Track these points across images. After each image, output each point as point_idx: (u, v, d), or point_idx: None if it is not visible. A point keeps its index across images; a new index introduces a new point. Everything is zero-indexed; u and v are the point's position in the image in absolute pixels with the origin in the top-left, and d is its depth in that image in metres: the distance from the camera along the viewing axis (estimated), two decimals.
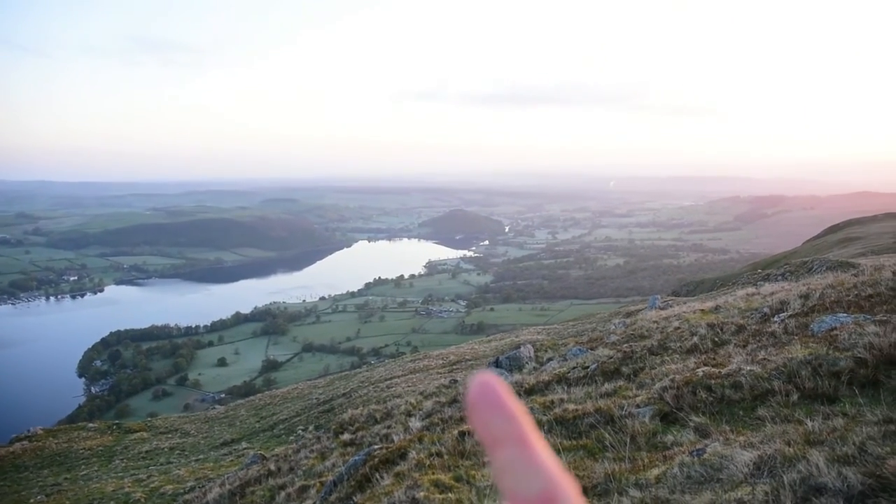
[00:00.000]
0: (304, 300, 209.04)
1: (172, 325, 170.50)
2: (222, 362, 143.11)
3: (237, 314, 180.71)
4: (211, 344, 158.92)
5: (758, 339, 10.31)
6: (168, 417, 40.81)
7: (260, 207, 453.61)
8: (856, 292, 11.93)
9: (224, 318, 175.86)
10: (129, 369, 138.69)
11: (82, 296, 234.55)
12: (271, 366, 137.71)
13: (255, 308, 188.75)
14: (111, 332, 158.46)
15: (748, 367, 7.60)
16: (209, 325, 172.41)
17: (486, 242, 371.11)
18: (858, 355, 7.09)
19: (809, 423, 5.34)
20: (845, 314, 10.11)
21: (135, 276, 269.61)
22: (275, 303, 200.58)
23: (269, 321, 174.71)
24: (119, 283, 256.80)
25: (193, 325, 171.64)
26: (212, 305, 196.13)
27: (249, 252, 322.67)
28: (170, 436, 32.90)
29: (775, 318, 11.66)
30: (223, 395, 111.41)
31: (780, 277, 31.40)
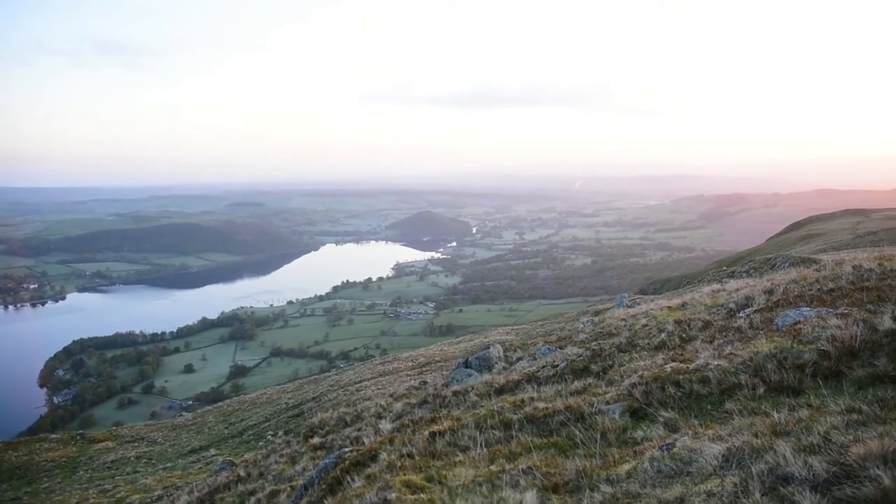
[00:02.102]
0: (271, 304, 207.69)
1: (138, 332, 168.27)
2: (189, 369, 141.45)
3: (204, 320, 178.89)
4: (177, 350, 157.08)
5: (724, 334, 10.44)
6: (134, 426, 40.17)
7: (225, 211, 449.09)
8: (818, 287, 12.13)
9: (190, 324, 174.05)
10: (94, 378, 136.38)
11: (43, 304, 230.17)
12: (239, 371, 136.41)
13: (222, 313, 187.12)
14: (74, 341, 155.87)
15: (715, 362, 7.68)
16: (175, 331, 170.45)
17: (454, 244, 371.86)
18: (822, 348, 7.21)
19: (776, 415, 5.42)
20: (808, 308, 10.27)
21: (98, 283, 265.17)
22: (242, 308, 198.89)
23: (237, 326, 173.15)
24: (82, 290, 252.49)
25: (159, 332, 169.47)
26: (178, 311, 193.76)
27: (215, 257, 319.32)
28: (136, 444, 32.39)
29: (741, 314, 11.82)
30: (191, 402, 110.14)
31: (744, 274, 31.86)
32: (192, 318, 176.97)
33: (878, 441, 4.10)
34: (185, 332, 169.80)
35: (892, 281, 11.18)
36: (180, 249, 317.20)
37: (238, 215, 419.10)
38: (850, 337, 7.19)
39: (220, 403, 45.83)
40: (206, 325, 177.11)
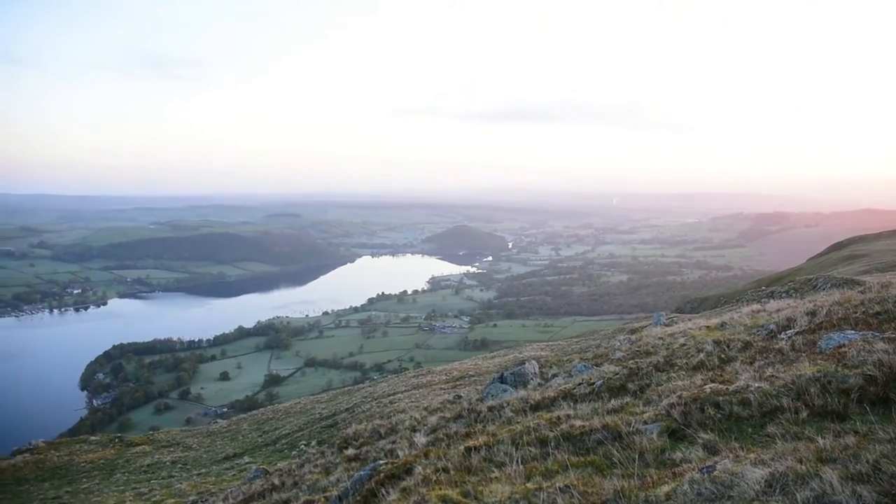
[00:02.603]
0: (307, 315, 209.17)
1: (175, 338, 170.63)
2: (225, 376, 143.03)
3: (240, 328, 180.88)
4: (213, 358, 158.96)
5: (765, 355, 10.26)
6: (170, 431, 40.67)
7: (263, 222, 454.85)
8: (863, 309, 11.88)
9: (227, 332, 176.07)
10: (132, 382, 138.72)
11: (86, 309, 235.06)
12: (274, 380, 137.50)
13: (258, 322, 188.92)
14: (114, 346, 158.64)
15: (756, 384, 7.56)
16: (212, 339, 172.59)
17: (490, 258, 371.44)
18: (868, 373, 7.05)
19: (820, 441, 5.31)
20: (853, 331, 10.06)
21: (138, 290, 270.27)
22: (278, 317, 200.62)
23: (272, 336, 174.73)
24: (122, 296, 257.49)
25: (196, 339, 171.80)
26: (215, 320, 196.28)
27: (253, 266, 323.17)
28: (172, 449, 32.78)
29: (782, 335, 11.61)
30: (225, 410, 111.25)
31: (784, 295, 31.30)
32: (228, 327, 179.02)
33: None
34: (221, 340, 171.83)
35: None
36: (218, 258, 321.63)
37: (275, 226, 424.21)
38: None
39: (254, 412, 46.18)
40: (242, 333, 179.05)
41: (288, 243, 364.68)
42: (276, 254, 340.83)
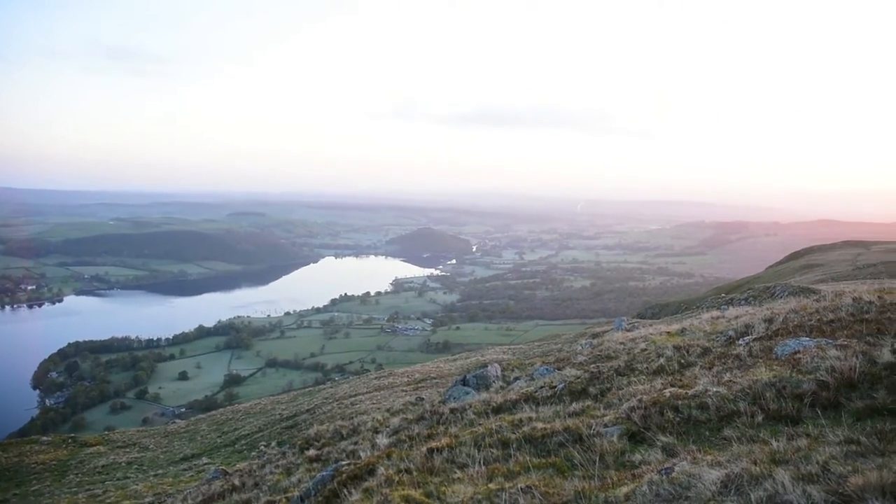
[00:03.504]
0: (268, 315, 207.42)
1: (133, 337, 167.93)
2: (184, 376, 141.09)
3: (200, 328, 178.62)
4: (172, 357, 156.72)
5: (723, 361, 10.46)
6: (126, 431, 40.04)
7: (227, 220, 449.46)
8: (818, 317, 12.17)
9: (187, 331, 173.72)
10: (87, 381, 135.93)
11: (40, 305, 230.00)
12: (234, 380, 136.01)
13: (219, 322, 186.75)
14: (69, 344, 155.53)
15: (714, 389, 7.72)
16: (171, 338, 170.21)
17: (454, 261, 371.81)
18: (821, 378, 7.25)
19: (774, 443, 5.46)
20: (808, 338, 10.31)
21: (96, 287, 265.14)
22: (239, 317, 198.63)
23: (233, 335, 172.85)
24: (79, 293, 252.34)
25: (155, 338, 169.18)
26: (175, 318, 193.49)
27: (215, 265, 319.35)
28: (128, 450, 32.28)
29: (740, 342, 11.85)
30: (184, 410, 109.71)
31: (743, 302, 31.87)
32: (188, 326, 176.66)
33: (877, 473, 4.14)
34: (180, 340, 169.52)
35: (891, 314, 11.23)
36: (180, 256, 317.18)
37: (239, 224, 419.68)
38: (850, 368, 7.24)
39: (213, 412, 45.68)
40: (202, 332, 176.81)
41: (251, 242, 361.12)
42: (239, 252, 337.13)
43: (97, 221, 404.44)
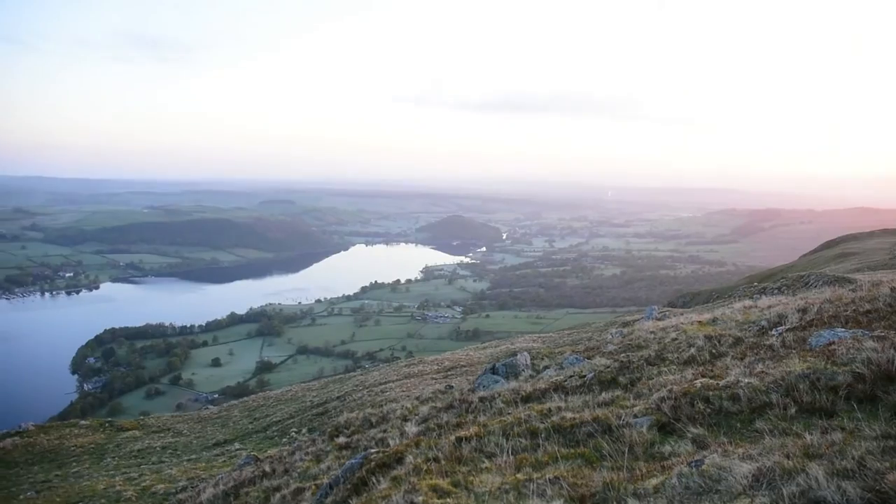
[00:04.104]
0: (299, 302, 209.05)
1: (167, 324, 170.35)
2: (216, 363, 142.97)
3: (232, 315, 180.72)
4: (205, 344, 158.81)
5: (755, 351, 10.32)
6: (160, 416, 40.68)
7: (257, 208, 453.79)
8: (853, 308, 11.95)
9: (219, 318, 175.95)
10: (123, 367, 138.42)
11: (77, 292, 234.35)
12: (265, 367, 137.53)
13: (251, 309, 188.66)
14: (106, 330, 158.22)
15: (746, 380, 7.61)
16: (204, 325, 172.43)
17: (483, 249, 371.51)
18: (857, 370, 7.11)
19: (808, 437, 5.37)
20: (843, 329, 10.13)
21: (131, 274, 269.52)
22: (270, 304, 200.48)
23: (264, 322, 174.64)
24: (115, 280, 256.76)
25: (188, 325, 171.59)
26: (207, 305, 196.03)
27: (246, 253, 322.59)
28: (162, 435, 32.81)
29: (773, 332, 11.68)
30: (216, 396, 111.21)
31: (776, 291, 31.44)
32: (220, 313, 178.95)
33: None
34: (213, 326, 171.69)
35: None
36: (212, 244, 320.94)
37: (270, 212, 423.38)
38: (887, 360, 7.08)
39: (245, 398, 46.17)
40: (234, 320, 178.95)
41: (282, 230, 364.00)
42: (269, 240, 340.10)
43: (130, 210, 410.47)
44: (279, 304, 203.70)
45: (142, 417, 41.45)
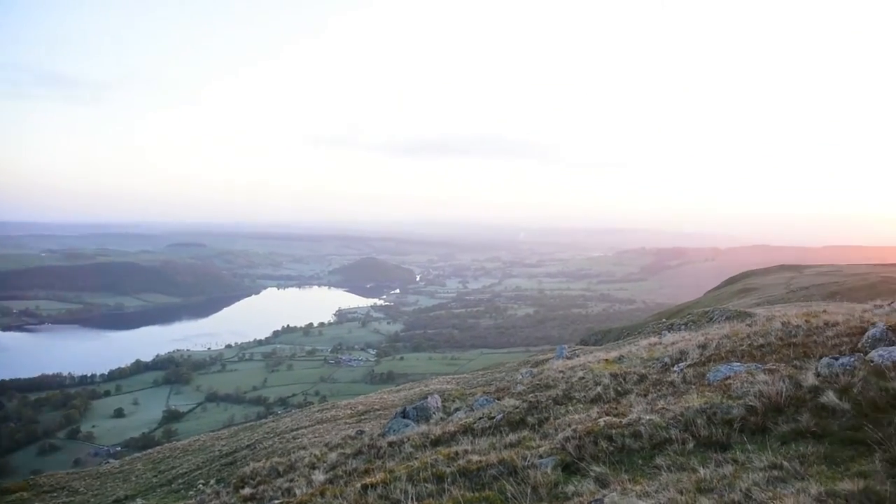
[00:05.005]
0: (209, 348, 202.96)
1: (65, 373, 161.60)
2: (119, 413, 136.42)
3: (137, 362, 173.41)
4: (108, 394, 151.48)
5: (658, 388, 10.59)
6: (54, 474, 38.30)
7: (165, 252, 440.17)
8: (749, 342, 12.44)
9: (123, 366, 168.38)
10: (13, 422, 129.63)
11: None
12: (172, 416, 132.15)
13: (157, 356, 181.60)
14: None
15: (648, 417, 7.78)
16: (106, 373, 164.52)
17: (397, 291, 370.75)
18: (749, 403, 7.38)
19: (702, 471, 5.51)
20: (739, 363, 10.51)
21: (25, 322, 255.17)
22: (178, 350, 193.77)
23: (172, 370, 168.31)
24: (6, 329, 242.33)
25: (89, 374, 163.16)
26: (110, 353, 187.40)
27: (153, 298, 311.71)
28: (55, 494, 30.90)
29: (675, 368, 12.01)
30: (119, 449, 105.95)
31: (682, 327, 32.47)
32: (125, 361, 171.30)
33: (794, 498, 4.21)
34: (116, 375, 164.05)
35: (817, 337, 11.56)
36: (116, 289, 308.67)
37: (179, 256, 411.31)
38: (777, 393, 7.39)
39: (150, 450, 44.15)
40: (139, 367, 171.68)
41: (191, 273, 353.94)
42: (178, 284, 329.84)
43: (27, 253, 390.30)
44: (188, 350, 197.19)
45: (32, 477, 38.94)
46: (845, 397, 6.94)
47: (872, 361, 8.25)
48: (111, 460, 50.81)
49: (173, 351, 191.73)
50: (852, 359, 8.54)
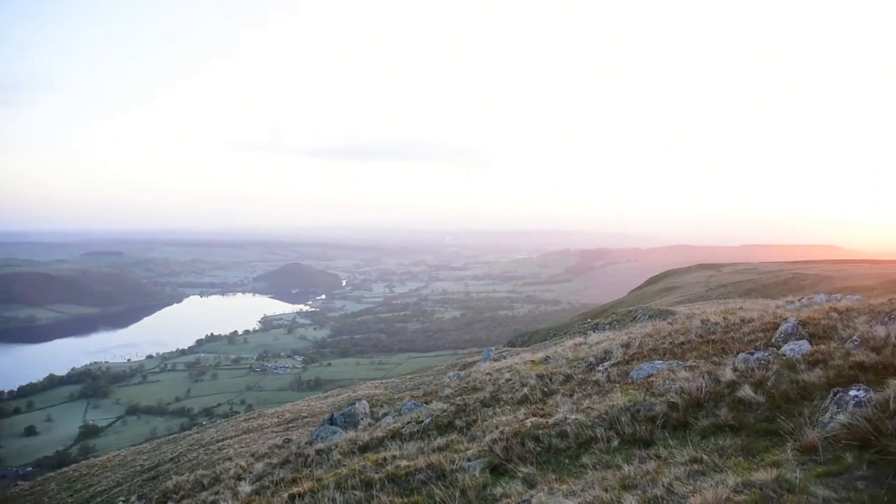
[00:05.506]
0: (129, 359, 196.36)
1: None
2: (31, 431, 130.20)
3: (51, 377, 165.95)
4: (17, 411, 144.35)
5: (583, 387, 10.75)
6: None
7: (81, 261, 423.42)
8: (670, 340, 12.77)
9: (35, 381, 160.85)
10: None
11: None
12: (90, 432, 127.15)
13: (73, 369, 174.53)
14: None
15: (574, 416, 7.89)
16: (16, 390, 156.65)
17: (323, 296, 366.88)
18: (671, 400, 7.57)
19: (626, 468, 5.62)
20: (661, 361, 10.78)
21: None
22: (96, 363, 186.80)
23: (89, 383, 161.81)
24: None
25: None
26: (21, 368, 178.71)
27: (68, 309, 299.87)
28: None
29: (600, 367, 12.23)
30: (30, 469, 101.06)
31: (607, 327, 33.14)
32: (37, 376, 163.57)
33: (713, 490, 4.34)
34: (28, 391, 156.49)
35: (734, 333, 11.96)
36: (28, 300, 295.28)
37: (95, 264, 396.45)
38: (697, 389, 7.60)
39: (64, 469, 42.37)
40: (53, 382, 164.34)
41: (109, 283, 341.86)
42: (95, 294, 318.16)
43: None
44: (106, 362, 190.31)
45: None
46: (760, 391, 7.20)
47: (785, 355, 8.58)
48: (20, 482, 48.49)
49: (90, 363, 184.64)
50: (766, 353, 8.87)
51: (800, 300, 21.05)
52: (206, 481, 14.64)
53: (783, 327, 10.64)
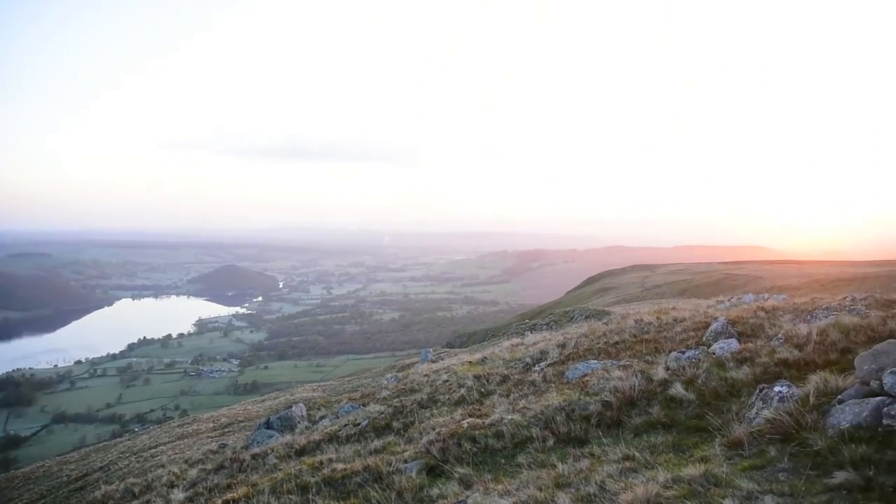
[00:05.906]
0: (55, 365, 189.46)
1: None
2: None
3: None
4: None
5: (520, 388, 10.86)
6: None
7: (4, 262, 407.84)
8: (605, 340, 13.00)
9: None
10: None
11: None
12: (12, 442, 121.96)
13: None
14: None
15: (510, 416, 7.96)
16: None
17: (260, 299, 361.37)
18: (605, 399, 7.71)
19: (560, 467, 5.71)
20: (596, 361, 10.96)
21: None
22: (19, 369, 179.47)
23: (11, 391, 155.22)
24: None
25: None
26: None
27: None
28: None
29: (536, 368, 12.37)
30: None
31: (544, 327, 33.51)
32: None
33: (644, 487, 4.45)
34: None
35: (666, 333, 12.25)
36: None
37: (20, 266, 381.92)
38: (630, 387, 7.76)
39: None
40: None
41: (34, 286, 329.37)
42: (18, 298, 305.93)
43: None
44: (30, 368, 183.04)
45: None
46: (691, 388, 7.40)
47: (714, 353, 8.84)
48: None
49: (13, 370, 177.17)
50: (697, 352, 9.12)
51: (730, 300, 21.71)
52: (137, 490, 14.26)
53: (713, 326, 10.96)
